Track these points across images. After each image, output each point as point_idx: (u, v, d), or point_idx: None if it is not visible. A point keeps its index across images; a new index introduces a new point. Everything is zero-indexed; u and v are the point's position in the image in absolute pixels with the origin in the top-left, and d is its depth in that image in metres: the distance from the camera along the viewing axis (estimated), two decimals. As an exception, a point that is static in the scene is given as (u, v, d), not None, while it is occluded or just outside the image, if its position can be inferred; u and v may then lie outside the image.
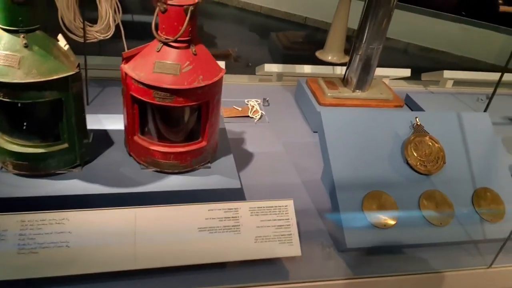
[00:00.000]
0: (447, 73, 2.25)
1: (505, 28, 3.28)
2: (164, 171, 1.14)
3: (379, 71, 2.07)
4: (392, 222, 1.11)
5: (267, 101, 1.75)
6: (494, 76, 2.36)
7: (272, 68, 1.97)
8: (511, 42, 3.77)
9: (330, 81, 1.69)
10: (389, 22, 1.52)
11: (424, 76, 2.39)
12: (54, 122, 1.03)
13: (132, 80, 1.02)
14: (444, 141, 1.25)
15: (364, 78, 1.63)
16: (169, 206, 1.02)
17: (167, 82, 0.99)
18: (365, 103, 1.63)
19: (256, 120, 1.63)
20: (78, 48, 1.46)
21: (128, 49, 1.54)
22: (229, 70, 2.13)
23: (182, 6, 0.95)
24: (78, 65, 0.99)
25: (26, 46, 0.92)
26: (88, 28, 1.40)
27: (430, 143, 1.23)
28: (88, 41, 1.43)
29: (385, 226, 1.11)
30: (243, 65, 2.15)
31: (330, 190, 1.17)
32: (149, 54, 1.02)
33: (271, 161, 1.42)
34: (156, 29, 1.01)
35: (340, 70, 2.12)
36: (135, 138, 1.12)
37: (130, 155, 1.17)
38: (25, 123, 1.01)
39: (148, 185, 1.10)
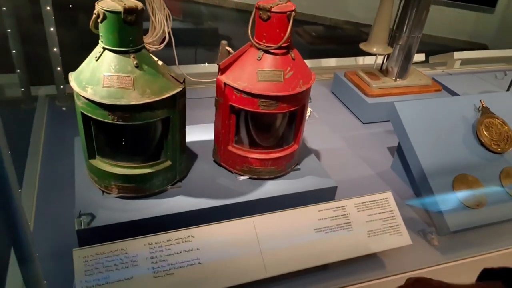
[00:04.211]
0: (457, 54, 2.36)
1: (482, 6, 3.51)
2: (261, 177, 1.14)
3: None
4: (484, 202, 1.17)
5: (310, 97, 1.76)
6: (500, 53, 2.49)
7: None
8: (489, 20, 3.99)
9: (371, 73, 1.73)
10: (428, 12, 1.58)
11: (432, 59, 2.48)
12: (159, 140, 1.01)
13: (233, 90, 1.01)
14: (509, 120, 1.32)
15: (405, 67, 1.68)
16: (282, 211, 1.02)
17: (274, 89, 0.99)
18: (408, 90, 1.69)
19: (307, 117, 1.64)
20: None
21: (177, 58, 1.52)
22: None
23: (285, 12, 0.95)
24: (184, 81, 0.97)
25: (137, 66, 0.89)
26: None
27: (498, 123, 1.30)
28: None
29: (478, 206, 1.16)
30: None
31: (418, 177, 1.21)
32: (247, 63, 1.02)
33: (338, 156, 1.45)
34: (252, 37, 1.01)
35: (362, 61, 2.18)
36: (229, 148, 1.11)
37: (220, 165, 1.17)
38: (133, 145, 0.98)
39: (251, 193, 1.10)
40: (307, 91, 1.05)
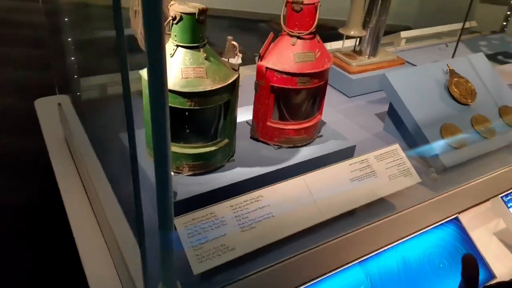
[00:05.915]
0: (404, 33, 2.73)
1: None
2: (296, 145, 1.35)
3: (348, 43, 2.44)
4: (465, 143, 1.48)
5: (298, 80, 2.00)
6: (437, 29, 2.91)
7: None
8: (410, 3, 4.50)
9: (347, 54, 2.00)
10: (391, -2, 1.88)
11: (383, 39, 2.84)
12: (219, 121, 1.18)
13: (274, 72, 1.21)
14: (468, 78, 1.66)
15: (375, 46, 1.98)
16: (323, 168, 1.25)
17: (309, 68, 1.21)
18: (380, 65, 1.99)
19: (302, 97, 1.87)
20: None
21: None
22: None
23: (313, 4, 1.17)
24: (238, 69, 1.15)
25: (206, 58, 1.06)
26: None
27: (463, 82, 1.62)
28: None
29: (461, 147, 1.47)
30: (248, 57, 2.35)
31: (413, 130, 1.49)
32: (283, 48, 1.22)
33: (338, 125, 1.69)
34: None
35: (329, 46, 2.46)
36: (268, 123, 1.31)
37: (259, 141, 1.36)
38: (201, 127, 1.15)
39: (292, 159, 1.31)
40: (330, 68, 1.28)
